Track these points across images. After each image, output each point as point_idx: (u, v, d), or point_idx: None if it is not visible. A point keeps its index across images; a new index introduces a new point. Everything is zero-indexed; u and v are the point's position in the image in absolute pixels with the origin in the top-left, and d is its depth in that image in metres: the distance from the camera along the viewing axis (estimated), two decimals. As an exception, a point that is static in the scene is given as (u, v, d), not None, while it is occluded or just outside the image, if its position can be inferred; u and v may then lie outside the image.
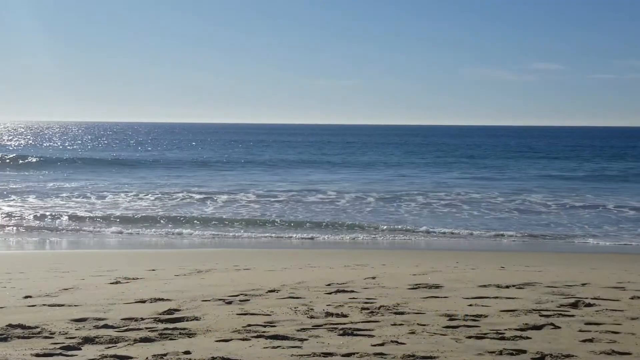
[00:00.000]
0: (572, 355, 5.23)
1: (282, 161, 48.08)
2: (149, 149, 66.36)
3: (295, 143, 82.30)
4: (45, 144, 72.57)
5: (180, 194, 24.91)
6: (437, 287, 8.36)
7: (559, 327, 6.12)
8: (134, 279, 9.15)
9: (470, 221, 19.58)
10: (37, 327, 6.00)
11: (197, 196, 24.48)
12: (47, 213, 20.10)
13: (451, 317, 6.51)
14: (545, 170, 40.04)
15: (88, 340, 5.59)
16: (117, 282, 8.82)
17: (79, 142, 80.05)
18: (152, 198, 24.09)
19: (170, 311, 6.76)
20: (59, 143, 75.66)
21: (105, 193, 25.30)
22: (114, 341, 5.56)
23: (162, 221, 18.97)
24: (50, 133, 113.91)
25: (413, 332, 5.90)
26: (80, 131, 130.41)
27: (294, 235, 17.20)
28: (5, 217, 19.49)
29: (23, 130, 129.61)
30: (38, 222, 18.82)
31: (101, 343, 5.53)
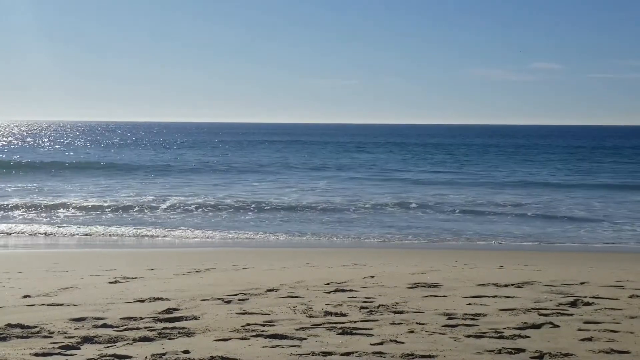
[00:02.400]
0: (571, 354, 5.24)
1: (259, 164, 45.21)
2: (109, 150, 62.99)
3: (284, 143, 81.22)
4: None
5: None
6: (435, 286, 8.36)
7: (558, 326, 6.12)
8: (132, 278, 9.15)
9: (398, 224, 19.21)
10: (36, 327, 5.99)
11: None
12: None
13: (450, 316, 6.51)
14: (524, 172, 39.16)
15: (87, 340, 5.58)
16: (116, 282, 8.81)
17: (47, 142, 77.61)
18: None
19: (169, 310, 6.75)
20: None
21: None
22: (113, 340, 5.56)
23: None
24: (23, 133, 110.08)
25: (412, 331, 5.90)
26: (53, 131, 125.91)
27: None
28: None
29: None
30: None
31: (100, 342, 5.53)
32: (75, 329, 6.01)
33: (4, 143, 72.99)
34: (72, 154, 55.63)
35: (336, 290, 7.94)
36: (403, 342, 5.53)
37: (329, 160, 50.02)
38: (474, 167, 43.63)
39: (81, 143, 77.50)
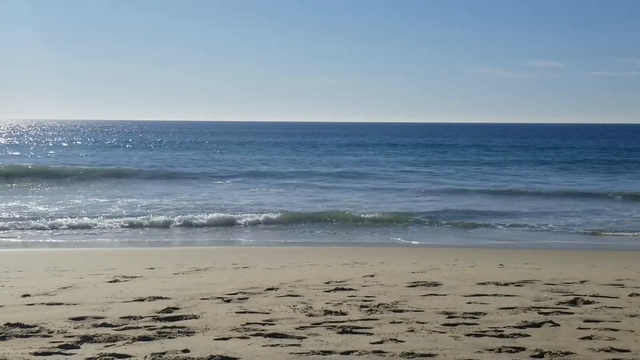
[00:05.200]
0: (571, 353, 5.23)
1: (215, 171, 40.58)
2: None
3: (275, 143, 79.74)
4: None
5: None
6: (435, 284, 8.36)
7: (558, 325, 6.12)
8: (132, 277, 9.14)
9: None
10: (36, 326, 5.98)
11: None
12: None
13: (450, 315, 6.50)
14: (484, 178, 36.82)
15: (87, 339, 5.57)
16: (115, 281, 8.80)
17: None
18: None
19: (168, 309, 6.75)
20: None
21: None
22: (112, 340, 5.55)
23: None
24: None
25: (412, 330, 5.89)
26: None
27: None
28: None
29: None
30: None
31: (100, 342, 5.52)
32: (74, 328, 6.00)
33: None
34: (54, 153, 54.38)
35: (336, 289, 7.94)
36: (403, 341, 5.52)
37: (312, 163, 47.49)
38: (470, 170, 42.69)
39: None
